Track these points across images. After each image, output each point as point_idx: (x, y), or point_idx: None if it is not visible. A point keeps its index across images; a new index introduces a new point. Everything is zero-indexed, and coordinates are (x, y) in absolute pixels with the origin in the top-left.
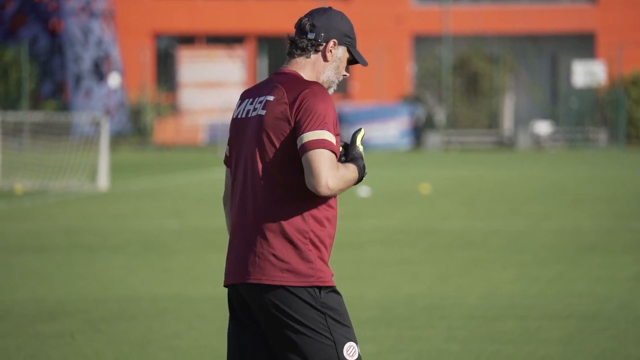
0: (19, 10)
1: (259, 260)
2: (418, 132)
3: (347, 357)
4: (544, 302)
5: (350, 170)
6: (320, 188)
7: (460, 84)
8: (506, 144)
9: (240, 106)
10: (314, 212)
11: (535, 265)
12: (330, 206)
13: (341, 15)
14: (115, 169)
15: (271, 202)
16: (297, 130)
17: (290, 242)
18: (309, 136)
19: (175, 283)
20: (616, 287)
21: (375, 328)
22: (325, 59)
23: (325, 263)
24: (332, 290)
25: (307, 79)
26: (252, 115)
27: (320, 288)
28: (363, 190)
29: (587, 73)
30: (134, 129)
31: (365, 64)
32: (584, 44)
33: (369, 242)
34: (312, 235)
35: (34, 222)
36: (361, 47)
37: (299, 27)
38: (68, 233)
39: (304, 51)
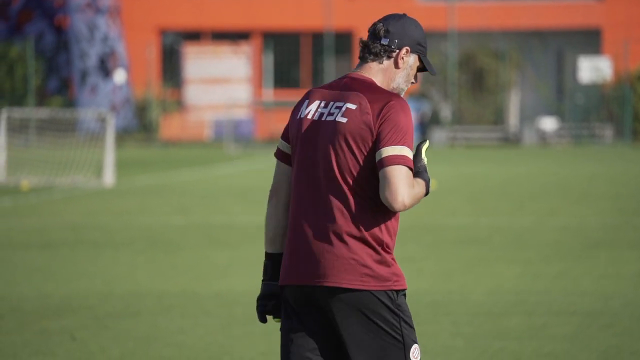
0: (25, 6)
1: (338, 264)
2: (424, 128)
3: (412, 359)
4: (549, 299)
5: (420, 187)
6: (396, 204)
7: (466, 80)
8: (511, 140)
9: (310, 106)
10: (388, 222)
11: (541, 261)
12: (397, 218)
13: (415, 23)
14: (121, 165)
15: (350, 209)
16: (377, 142)
17: (370, 247)
18: (390, 150)
19: (181, 279)
20: (621, 283)
21: None
22: (397, 66)
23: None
24: (404, 293)
25: (379, 85)
26: (327, 119)
27: (397, 291)
28: None
29: (593, 69)
30: (139, 125)
31: (434, 73)
32: (589, 40)
33: None
34: (386, 243)
35: (39, 219)
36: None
37: (373, 32)
38: (73, 229)
39: (377, 57)
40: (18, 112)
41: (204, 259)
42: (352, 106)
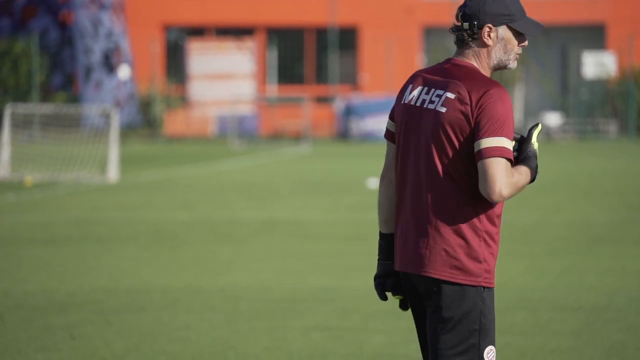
0: (29, 2)
1: (430, 254)
2: None
3: (486, 359)
4: (555, 295)
5: (523, 175)
6: (494, 196)
7: None
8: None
9: (414, 91)
10: (489, 210)
11: (546, 257)
12: (500, 207)
13: None
14: (125, 161)
15: (448, 199)
16: (476, 132)
17: (464, 239)
18: (487, 142)
19: (186, 274)
20: (626, 279)
21: (385, 320)
22: (485, 45)
23: (495, 261)
24: (492, 290)
25: (480, 69)
26: (428, 107)
27: (485, 288)
28: (373, 182)
29: (597, 64)
30: (143, 121)
31: (533, 32)
32: (594, 35)
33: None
34: (484, 234)
35: (44, 214)
36: (370, 39)
37: (456, 18)
38: (78, 225)
39: (465, 42)
40: (22, 108)
41: (208, 254)
42: (452, 95)
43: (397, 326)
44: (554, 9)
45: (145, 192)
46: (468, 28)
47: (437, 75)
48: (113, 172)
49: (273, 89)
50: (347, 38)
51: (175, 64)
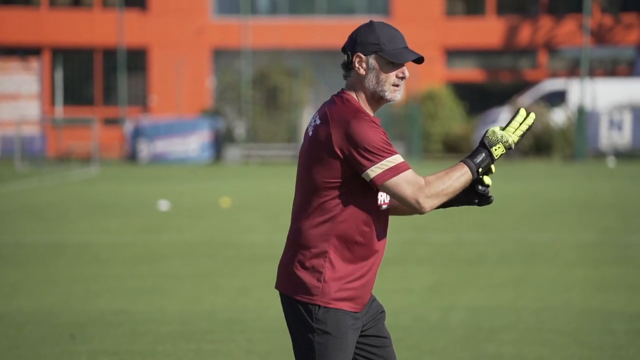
0: None
1: (280, 269)
2: (218, 145)
3: None
4: None
5: (451, 177)
6: (415, 209)
7: (260, 98)
8: None
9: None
10: (341, 231)
11: None
12: (366, 224)
13: (367, 25)
14: None
15: (301, 218)
16: (357, 167)
17: (308, 257)
18: (373, 172)
19: None
20: (411, 298)
21: (176, 342)
22: (359, 74)
23: (339, 283)
24: (336, 311)
25: (357, 99)
26: (308, 132)
27: (319, 307)
28: (163, 204)
29: None
30: None
31: (402, 61)
32: None
33: (170, 256)
34: (333, 255)
35: None
36: (160, 60)
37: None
38: None
39: (346, 73)
40: None
41: None
42: (319, 121)
43: (187, 348)
44: (341, 32)
45: None
46: (346, 58)
47: (322, 105)
48: None
49: (60, 110)
50: (137, 59)
51: None
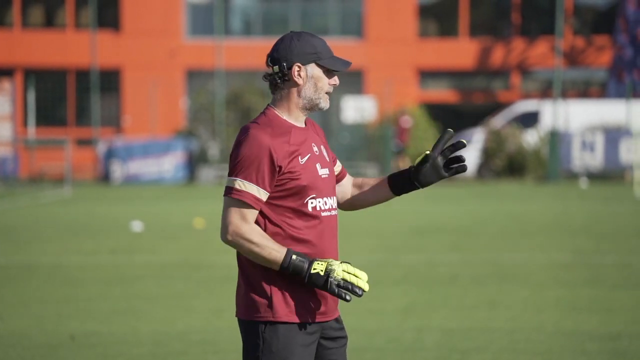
0: None
1: (236, 293)
2: (192, 166)
3: None
4: None
5: (267, 246)
6: (221, 236)
7: (234, 119)
8: None
9: None
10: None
11: None
12: (300, 232)
13: (296, 35)
14: None
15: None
16: None
17: (248, 277)
18: (226, 182)
19: None
20: (385, 320)
21: None
22: (297, 84)
23: (285, 296)
24: (285, 327)
25: (283, 111)
26: None
27: (265, 324)
28: (136, 225)
29: (357, 109)
30: None
31: (341, 69)
32: (353, 80)
33: (142, 277)
34: (265, 273)
35: None
36: (134, 81)
37: (266, 64)
38: None
39: (277, 86)
40: None
41: None
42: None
43: None
44: None
45: None
46: (278, 70)
47: None
48: None
49: (32, 131)
50: (110, 80)
51: None
